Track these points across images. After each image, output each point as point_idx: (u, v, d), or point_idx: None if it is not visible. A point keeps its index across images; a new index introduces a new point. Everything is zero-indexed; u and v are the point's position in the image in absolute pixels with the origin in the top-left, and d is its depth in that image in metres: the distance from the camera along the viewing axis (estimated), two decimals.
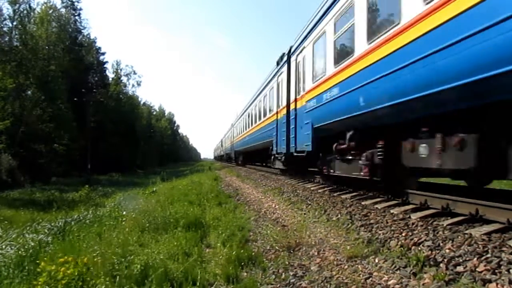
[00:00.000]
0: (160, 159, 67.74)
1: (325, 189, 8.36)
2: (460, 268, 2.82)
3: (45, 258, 3.53)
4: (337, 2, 6.77)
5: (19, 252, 4.75)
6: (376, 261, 3.44)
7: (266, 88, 15.48)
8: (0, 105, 23.84)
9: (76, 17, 39.02)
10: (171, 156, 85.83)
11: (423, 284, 2.75)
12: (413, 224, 4.21)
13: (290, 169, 12.44)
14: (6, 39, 26.58)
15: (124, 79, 52.54)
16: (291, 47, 11.08)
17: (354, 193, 7.09)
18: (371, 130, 6.04)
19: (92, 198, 16.38)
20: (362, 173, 6.14)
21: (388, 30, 4.93)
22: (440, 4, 3.88)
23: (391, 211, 5.07)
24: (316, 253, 3.93)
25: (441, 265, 2.95)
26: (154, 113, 79.61)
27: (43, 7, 32.77)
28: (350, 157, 6.75)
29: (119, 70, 52.01)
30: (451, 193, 4.89)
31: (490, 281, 2.53)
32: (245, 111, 23.61)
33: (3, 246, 5.49)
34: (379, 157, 5.66)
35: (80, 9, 39.51)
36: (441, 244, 3.35)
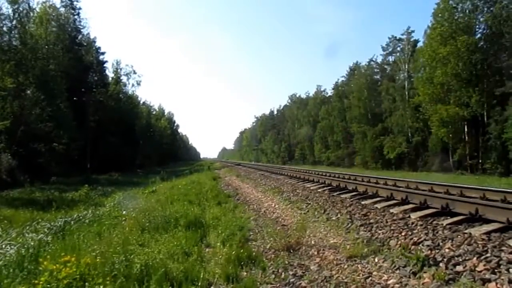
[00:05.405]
0: (160, 159, 67.57)
1: (325, 188, 8.38)
2: (459, 268, 2.83)
3: (48, 257, 3.53)
4: None
5: (19, 251, 4.74)
6: (376, 260, 3.45)
7: None
8: (0, 105, 23.82)
9: (75, 17, 38.85)
10: (170, 155, 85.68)
11: (422, 284, 2.76)
12: (412, 223, 4.22)
13: None
14: (6, 38, 26.49)
15: (123, 78, 52.31)
16: None
17: (353, 193, 7.10)
18: None
19: (92, 198, 16.31)
20: None
21: None
22: None
23: (391, 210, 5.08)
24: (315, 253, 3.94)
25: (440, 264, 2.96)
26: (154, 112, 79.46)
27: (42, 6, 32.72)
28: None
29: (118, 70, 51.67)
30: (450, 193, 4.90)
31: (489, 281, 2.54)
32: None
33: (3, 246, 5.47)
34: None
35: (79, 8, 39.29)
36: (440, 243, 3.35)
